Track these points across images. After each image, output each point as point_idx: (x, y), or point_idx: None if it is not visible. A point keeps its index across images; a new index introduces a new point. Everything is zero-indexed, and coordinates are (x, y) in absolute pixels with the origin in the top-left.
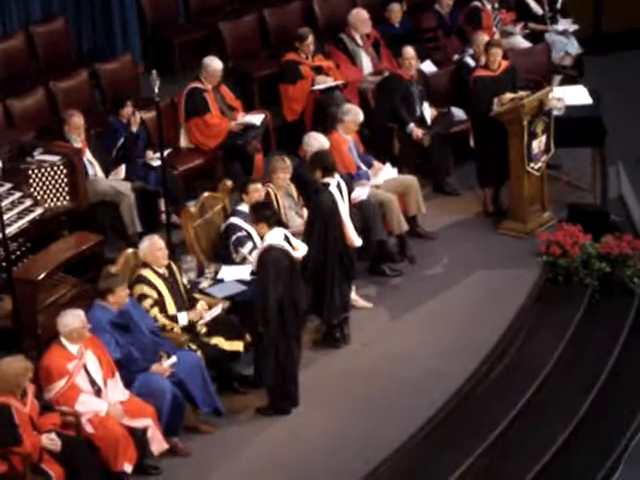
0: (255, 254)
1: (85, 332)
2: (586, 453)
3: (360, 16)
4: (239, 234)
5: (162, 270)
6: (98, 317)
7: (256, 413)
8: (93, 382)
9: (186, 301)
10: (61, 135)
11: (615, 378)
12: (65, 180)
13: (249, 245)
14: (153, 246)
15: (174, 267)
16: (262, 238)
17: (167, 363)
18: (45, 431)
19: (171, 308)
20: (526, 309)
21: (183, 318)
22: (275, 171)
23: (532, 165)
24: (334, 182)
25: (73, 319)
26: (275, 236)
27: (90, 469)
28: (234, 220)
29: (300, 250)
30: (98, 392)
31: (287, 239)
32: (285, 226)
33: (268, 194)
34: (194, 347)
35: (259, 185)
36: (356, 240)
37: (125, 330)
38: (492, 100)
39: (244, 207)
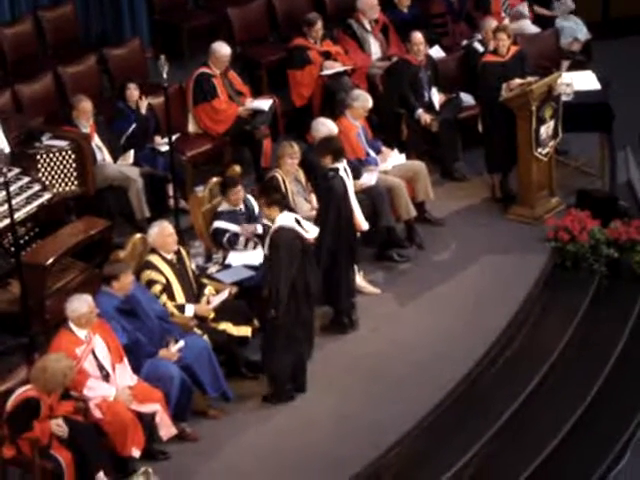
0: (268, 236)
1: (93, 317)
2: (593, 440)
3: (368, 1)
4: (227, 235)
5: (170, 256)
6: (104, 303)
7: (263, 402)
8: (101, 367)
9: (194, 287)
10: (69, 120)
11: (623, 364)
12: (73, 165)
13: (241, 241)
14: (163, 231)
15: (183, 252)
16: (272, 221)
17: (175, 348)
18: (54, 417)
19: (179, 295)
20: (534, 295)
21: (190, 310)
22: (283, 157)
23: (540, 150)
24: (342, 167)
25: (81, 304)
26: (286, 218)
27: (98, 454)
28: (218, 224)
29: (311, 232)
30: (106, 377)
31: (298, 222)
32: (293, 211)
33: (276, 179)
34: (202, 332)
35: (238, 188)
36: (363, 224)
37: (132, 315)
38: (500, 86)
39: (226, 207)
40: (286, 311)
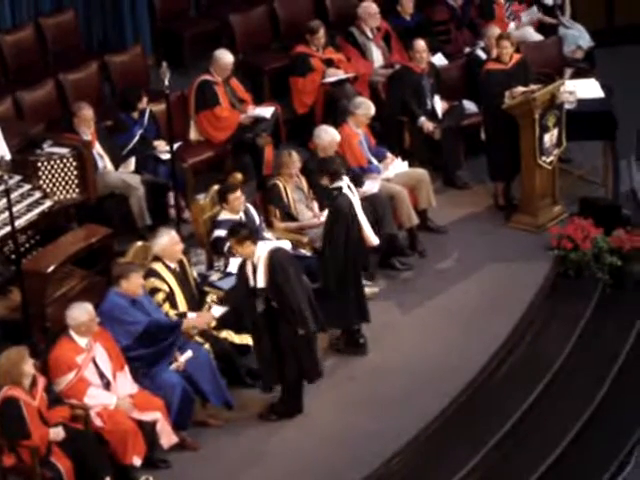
0: (261, 266)
1: (93, 326)
2: (598, 446)
3: (369, 9)
4: (228, 244)
5: (173, 265)
6: (116, 300)
7: (270, 413)
8: (102, 375)
9: (196, 295)
10: (71, 127)
11: (627, 372)
12: (75, 173)
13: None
14: (172, 240)
15: (184, 260)
16: (251, 256)
17: (183, 357)
18: (53, 424)
19: (181, 303)
20: (537, 303)
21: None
22: (283, 166)
23: (544, 159)
24: (344, 184)
25: (81, 312)
26: (265, 245)
27: (99, 462)
28: (219, 233)
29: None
30: (107, 385)
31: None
32: (295, 219)
33: (277, 186)
34: (203, 341)
35: (238, 193)
36: (373, 239)
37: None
38: (503, 93)
39: (225, 216)
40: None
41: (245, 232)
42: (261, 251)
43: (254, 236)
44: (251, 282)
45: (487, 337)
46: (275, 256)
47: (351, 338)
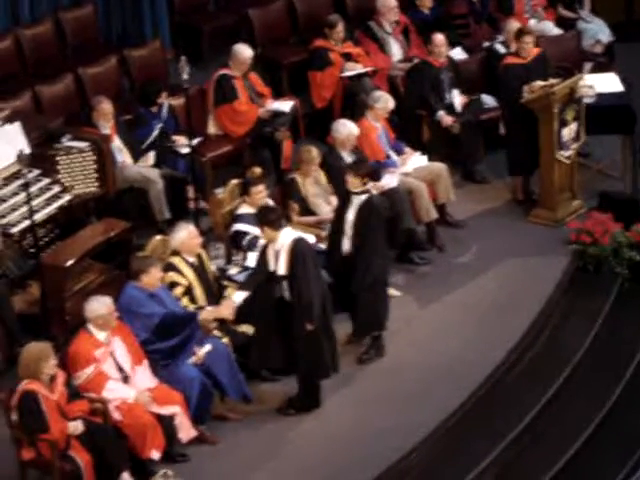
0: (284, 253)
1: (112, 319)
2: (616, 441)
3: (388, 3)
4: (248, 238)
5: (192, 259)
6: (134, 293)
7: (288, 407)
8: (121, 369)
9: (215, 289)
10: (90, 121)
11: None
12: (94, 166)
13: (261, 243)
14: (190, 235)
15: (203, 255)
16: (273, 241)
17: (202, 351)
18: (72, 418)
19: (200, 297)
20: (556, 298)
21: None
22: (302, 162)
23: (562, 153)
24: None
25: (99, 305)
26: (291, 233)
27: (118, 456)
28: (239, 226)
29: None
30: (126, 379)
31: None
32: (313, 213)
33: (295, 181)
34: (222, 334)
35: (260, 187)
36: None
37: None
38: (522, 87)
39: (245, 210)
40: (321, 323)
41: (274, 216)
42: (285, 238)
43: (278, 223)
44: (271, 267)
45: (505, 331)
46: (299, 245)
47: (378, 340)
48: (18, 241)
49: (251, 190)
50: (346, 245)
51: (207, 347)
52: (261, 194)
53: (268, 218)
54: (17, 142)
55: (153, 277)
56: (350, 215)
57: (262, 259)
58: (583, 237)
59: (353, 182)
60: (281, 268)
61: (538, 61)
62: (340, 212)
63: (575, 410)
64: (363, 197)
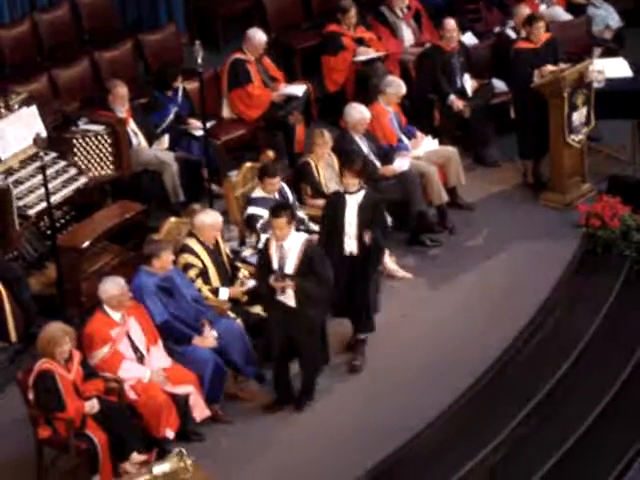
0: (294, 253)
1: (125, 300)
2: (625, 421)
3: None
4: (261, 221)
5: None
6: (144, 281)
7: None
8: (136, 349)
9: (229, 271)
10: (105, 105)
11: None
12: (109, 149)
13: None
14: (214, 225)
15: (218, 237)
16: (282, 238)
17: (211, 334)
18: (88, 397)
19: (214, 279)
20: (565, 280)
21: (224, 293)
22: (315, 145)
23: (572, 137)
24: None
25: (112, 286)
26: (300, 234)
27: (133, 435)
28: (252, 210)
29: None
30: (141, 359)
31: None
32: (325, 196)
33: (309, 164)
34: (236, 315)
35: (276, 179)
36: None
37: (169, 295)
38: (533, 72)
39: (260, 193)
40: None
41: (289, 212)
42: (296, 238)
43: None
44: (274, 265)
45: (515, 313)
46: (312, 246)
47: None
48: (35, 223)
49: (265, 180)
50: (350, 246)
51: (214, 333)
52: (273, 186)
53: (284, 213)
54: (34, 125)
55: (164, 261)
56: (350, 215)
57: (265, 256)
58: (592, 220)
59: (350, 182)
60: (289, 267)
61: (548, 46)
62: (333, 213)
63: (585, 390)
64: (360, 194)
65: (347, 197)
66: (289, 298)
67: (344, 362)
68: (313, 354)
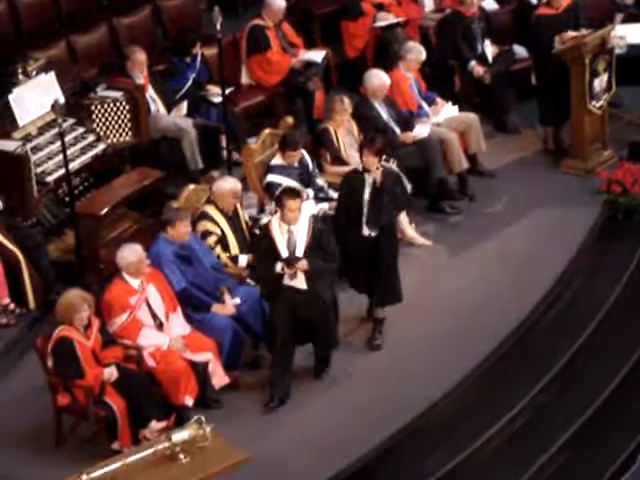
0: (303, 234)
1: (143, 267)
2: None
3: None
4: (281, 189)
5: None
6: (162, 249)
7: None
8: (155, 316)
9: (248, 239)
10: (124, 71)
11: None
12: (127, 116)
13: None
14: (233, 191)
15: (237, 204)
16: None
17: (231, 302)
18: (107, 364)
19: (233, 246)
20: (586, 247)
21: (243, 260)
22: (334, 112)
23: (594, 103)
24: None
25: (130, 253)
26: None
27: (152, 402)
28: (272, 178)
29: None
30: (160, 326)
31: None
32: (345, 163)
33: (328, 131)
34: (255, 284)
35: (297, 152)
36: None
37: (187, 263)
38: (554, 38)
39: (279, 161)
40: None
41: (299, 191)
42: (303, 220)
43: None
44: (281, 250)
45: (536, 280)
46: (317, 221)
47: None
48: (53, 190)
49: (287, 152)
50: (368, 227)
51: (236, 300)
52: (294, 157)
53: (294, 194)
54: (52, 91)
55: (178, 231)
56: (366, 194)
57: (269, 241)
58: (613, 187)
59: (370, 161)
60: (299, 249)
61: (570, 12)
62: (350, 197)
63: (606, 358)
64: (378, 172)
65: (366, 176)
66: (299, 281)
67: (364, 333)
68: (330, 331)
